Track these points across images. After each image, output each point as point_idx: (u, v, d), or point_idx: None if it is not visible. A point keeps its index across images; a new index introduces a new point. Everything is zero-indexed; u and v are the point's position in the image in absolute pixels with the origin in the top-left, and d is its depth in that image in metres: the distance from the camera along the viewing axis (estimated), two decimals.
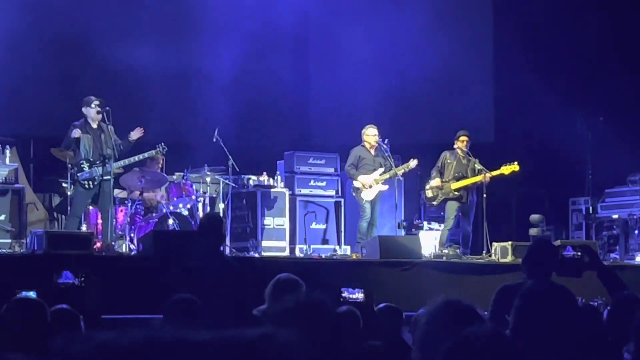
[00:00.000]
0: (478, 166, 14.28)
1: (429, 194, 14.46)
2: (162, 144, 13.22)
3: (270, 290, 6.17)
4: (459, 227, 14.41)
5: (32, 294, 6.93)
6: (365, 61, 17.49)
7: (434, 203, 14.56)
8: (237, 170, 14.17)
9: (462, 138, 14.41)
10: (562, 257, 6.46)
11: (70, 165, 12.72)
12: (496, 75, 17.89)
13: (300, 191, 15.28)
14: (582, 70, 17.02)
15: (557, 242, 11.24)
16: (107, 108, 12.59)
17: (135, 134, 12.69)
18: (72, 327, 5.70)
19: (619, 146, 16.41)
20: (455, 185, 14.26)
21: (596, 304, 8.35)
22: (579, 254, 6.39)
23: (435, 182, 14.33)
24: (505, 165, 14.26)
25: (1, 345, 4.23)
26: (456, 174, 14.34)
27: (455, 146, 14.44)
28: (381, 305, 7.77)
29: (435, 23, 17.43)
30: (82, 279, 9.48)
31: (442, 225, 14.65)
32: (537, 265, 6.92)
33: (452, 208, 14.31)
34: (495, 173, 14.22)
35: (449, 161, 14.44)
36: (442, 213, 14.77)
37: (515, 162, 14.23)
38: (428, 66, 17.06)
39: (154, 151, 13.22)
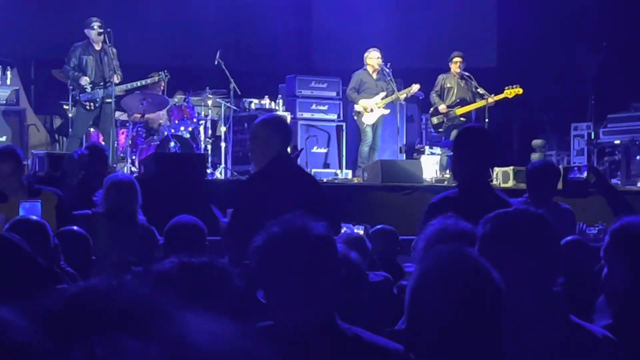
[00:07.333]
0: (480, 90, 14.27)
1: (435, 121, 14.44)
2: (165, 71, 13.27)
3: None
4: None
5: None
6: None
7: (441, 130, 14.56)
8: (239, 93, 14.12)
9: (455, 59, 14.39)
10: (569, 179, 6.49)
11: (71, 87, 12.74)
12: None
13: (302, 115, 15.24)
14: None
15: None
16: (109, 30, 12.57)
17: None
18: (83, 251, 5.65)
19: (622, 71, 16.34)
20: (460, 110, 14.27)
21: (596, 230, 8.38)
22: (585, 174, 6.41)
23: (441, 107, 14.32)
24: (508, 89, 14.25)
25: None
26: (459, 99, 14.33)
27: (451, 69, 14.45)
28: (376, 227, 7.80)
29: None
30: None
31: (442, 150, 14.66)
32: (539, 187, 6.99)
33: (453, 135, 14.34)
34: (499, 97, 14.22)
35: (448, 85, 14.44)
36: (443, 138, 14.77)
37: (518, 86, 14.22)
38: None
39: (156, 77, 13.25)
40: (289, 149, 6.73)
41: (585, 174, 6.32)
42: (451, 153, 14.37)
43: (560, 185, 7.04)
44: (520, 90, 14.23)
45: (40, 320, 1.15)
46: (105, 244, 6.47)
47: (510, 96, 14.25)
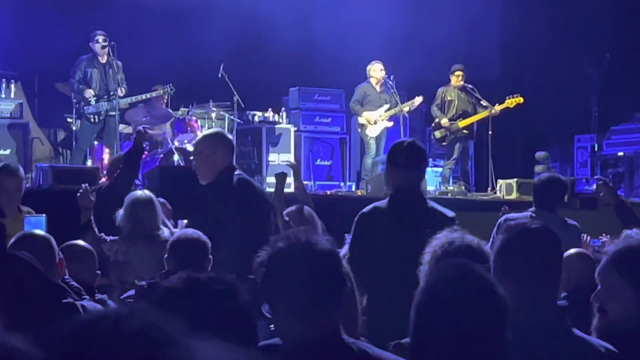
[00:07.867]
0: (484, 102, 14.26)
1: (438, 135, 14.43)
2: (171, 84, 13.30)
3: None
4: (457, 164, 14.46)
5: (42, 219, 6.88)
6: None
7: (444, 144, 14.55)
8: (242, 106, 14.13)
9: (457, 73, 14.39)
10: (577, 192, 6.55)
11: (75, 100, 12.77)
12: (503, 10, 17.76)
13: (306, 127, 15.24)
14: (590, 7, 16.89)
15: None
16: (112, 43, 12.62)
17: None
18: (88, 265, 5.60)
19: (626, 83, 16.35)
20: (463, 123, 14.26)
21: (599, 242, 8.36)
22: (594, 187, 6.46)
23: (444, 121, 14.30)
24: (509, 98, 14.24)
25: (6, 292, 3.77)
26: (460, 112, 14.32)
27: (451, 82, 14.44)
28: None
29: None
30: None
31: (445, 163, 14.66)
32: (546, 202, 7.02)
33: (457, 148, 14.35)
34: (500, 107, 14.21)
35: (449, 98, 14.43)
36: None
37: (519, 95, 14.22)
38: (434, 1, 16.95)
39: (161, 90, 13.29)
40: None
41: (594, 187, 6.36)
42: (454, 165, 14.46)
43: (566, 198, 7.07)
44: (521, 100, 14.22)
45: (51, 349, 1.16)
46: (126, 263, 6.58)
47: (511, 106, 14.24)
